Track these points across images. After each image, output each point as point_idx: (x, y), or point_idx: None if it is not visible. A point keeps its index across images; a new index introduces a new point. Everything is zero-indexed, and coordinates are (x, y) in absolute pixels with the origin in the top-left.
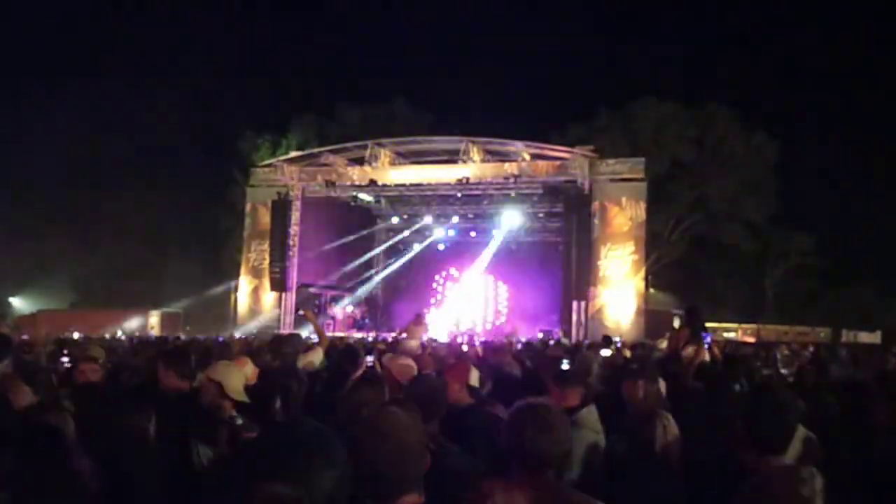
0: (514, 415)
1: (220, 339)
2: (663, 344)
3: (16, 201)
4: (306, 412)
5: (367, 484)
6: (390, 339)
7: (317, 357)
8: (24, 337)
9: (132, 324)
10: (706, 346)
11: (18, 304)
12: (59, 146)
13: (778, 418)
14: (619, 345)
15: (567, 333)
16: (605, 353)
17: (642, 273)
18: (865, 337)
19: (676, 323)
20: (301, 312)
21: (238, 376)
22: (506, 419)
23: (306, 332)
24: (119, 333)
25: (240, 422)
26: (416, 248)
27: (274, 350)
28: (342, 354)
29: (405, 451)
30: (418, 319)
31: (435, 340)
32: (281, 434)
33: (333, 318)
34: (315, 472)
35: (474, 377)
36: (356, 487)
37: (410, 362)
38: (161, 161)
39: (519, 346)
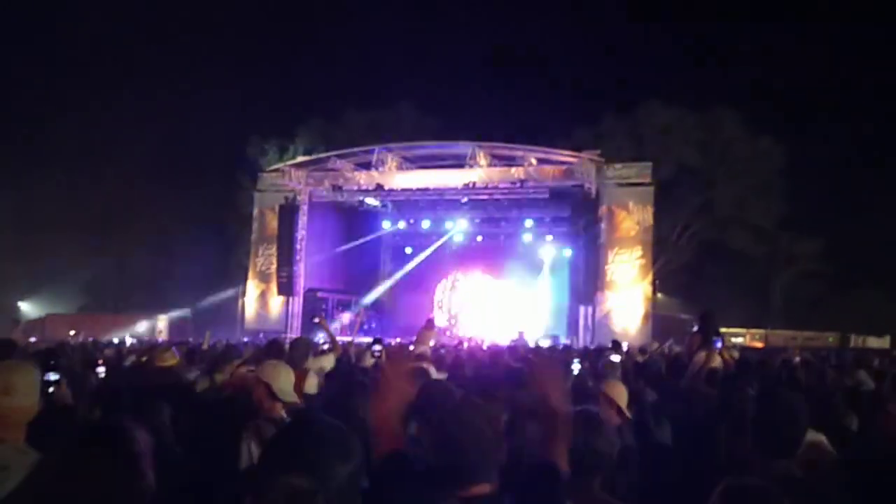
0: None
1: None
2: (654, 346)
3: (24, 206)
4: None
5: (447, 471)
6: (394, 344)
7: (328, 362)
8: (72, 334)
9: (140, 328)
10: (717, 350)
11: (27, 308)
12: (69, 151)
13: (786, 421)
14: (626, 350)
15: (557, 338)
16: (615, 358)
17: (650, 277)
18: (874, 342)
19: (695, 328)
20: (316, 319)
21: (287, 377)
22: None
23: (319, 338)
24: (127, 338)
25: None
26: (423, 252)
27: (273, 355)
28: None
29: (485, 440)
30: (429, 325)
31: (444, 346)
32: (298, 429)
33: (340, 322)
34: (330, 466)
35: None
36: (433, 474)
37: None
38: (169, 166)
39: (528, 349)
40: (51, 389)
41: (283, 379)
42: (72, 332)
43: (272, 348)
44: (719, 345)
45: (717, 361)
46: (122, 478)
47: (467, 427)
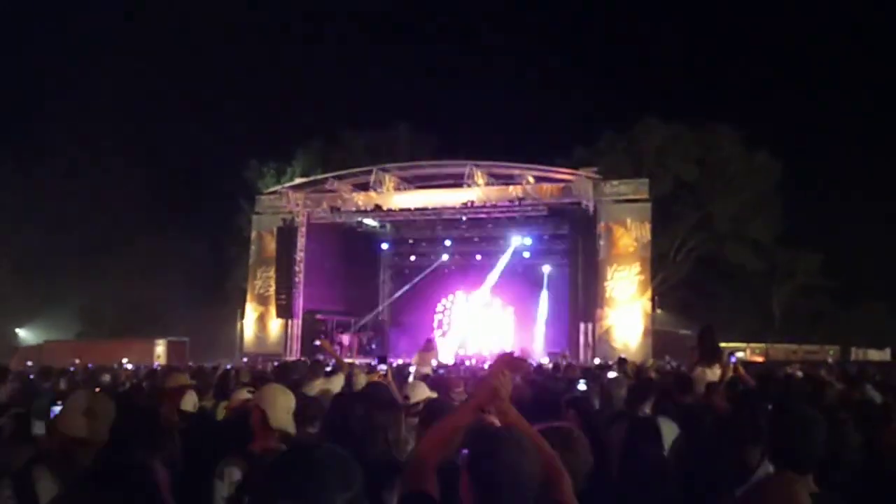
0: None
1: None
2: (650, 362)
3: (23, 233)
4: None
5: (509, 496)
6: (395, 365)
7: (337, 384)
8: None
9: (138, 353)
10: (732, 365)
11: (25, 334)
12: (65, 177)
13: (803, 437)
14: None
15: (566, 356)
16: (612, 374)
17: (649, 294)
18: (874, 355)
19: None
20: (317, 343)
21: (285, 402)
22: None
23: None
24: (125, 363)
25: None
26: (422, 272)
27: (280, 377)
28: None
29: (537, 466)
30: (429, 345)
31: (445, 366)
32: (298, 456)
33: (340, 344)
34: (330, 494)
35: None
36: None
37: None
38: (167, 189)
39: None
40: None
41: (279, 405)
42: (77, 361)
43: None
44: (734, 360)
45: (727, 376)
46: None
47: (526, 453)
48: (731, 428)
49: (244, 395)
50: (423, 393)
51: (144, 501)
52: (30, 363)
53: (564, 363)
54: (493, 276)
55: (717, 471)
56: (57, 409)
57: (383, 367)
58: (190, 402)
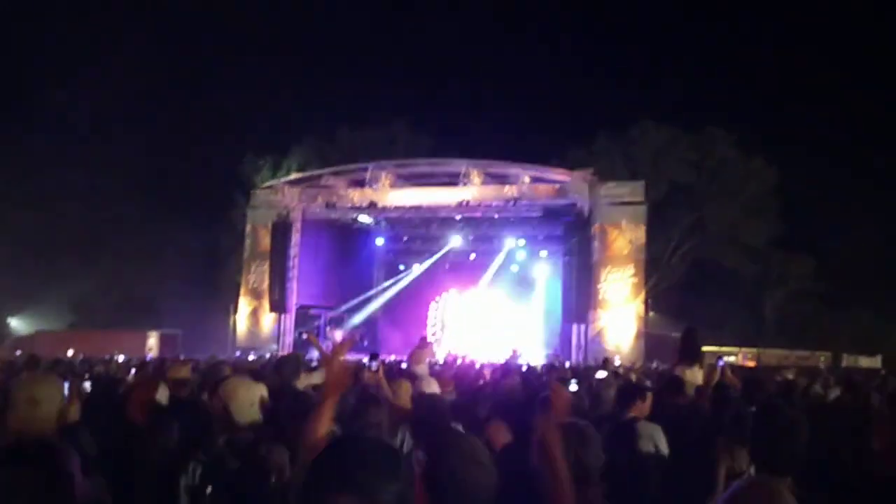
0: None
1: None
2: (637, 365)
3: (14, 222)
4: None
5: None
6: (387, 362)
7: (319, 378)
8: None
9: (130, 345)
10: (720, 369)
11: (17, 324)
12: (60, 166)
13: (784, 439)
14: (617, 367)
15: (558, 357)
16: (602, 374)
17: (642, 296)
18: (865, 361)
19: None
20: (305, 336)
21: (247, 394)
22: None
23: (310, 354)
24: (117, 354)
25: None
26: (416, 269)
27: (276, 370)
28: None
29: (492, 478)
30: (423, 343)
31: (438, 364)
32: (345, 448)
33: (332, 340)
34: (379, 486)
35: None
36: None
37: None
38: (161, 181)
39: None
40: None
41: (239, 397)
42: (70, 352)
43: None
44: (722, 363)
45: (714, 379)
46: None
47: (480, 467)
48: (713, 430)
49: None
50: (435, 388)
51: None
52: (18, 352)
53: (557, 364)
54: (487, 275)
55: (703, 473)
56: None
57: (374, 363)
58: (164, 395)
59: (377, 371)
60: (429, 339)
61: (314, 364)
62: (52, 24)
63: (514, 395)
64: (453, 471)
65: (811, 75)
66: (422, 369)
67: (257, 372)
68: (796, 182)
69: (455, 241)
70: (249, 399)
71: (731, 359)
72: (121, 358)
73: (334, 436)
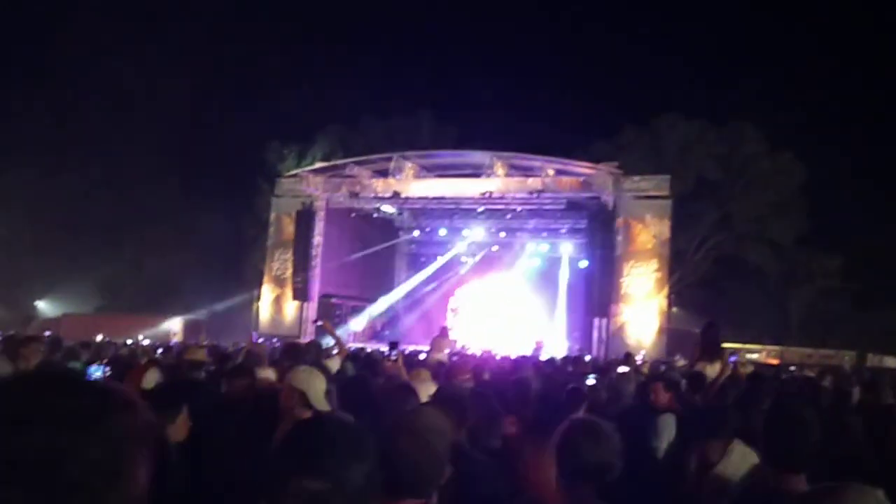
0: (568, 430)
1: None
2: (680, 363)
3: (41, 206)
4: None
5: (384, 480)
6: (407, 352)
7: (334, 366)
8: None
9: (156, 329)
10: (731, 365)
11: (44, 307)
12: (86, 153)
13: (797, 436)
14: (639, 362)
15: (582, 350)
16: (623, 369)
17: (665, 291)
18: (891, 361)
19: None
20: (320, 323)
21: (321, 383)
22: (558, 433)
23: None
24: (141, 338)
25: None
26: (438, 260)
27: (291, 357)
28: (364, 363)
29: (429, 455)
30: (443, 333)
31: (457, 354)
32: (309, 430)
33: (354, 329)
34: (344, 467)
35: None
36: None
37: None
38: (188, 168)
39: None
40: None
41: (316, 386)
42: (99, 337)
43: (288, 352)
44: (734, 359)
45: (726, 374)
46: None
47: (413, 438)
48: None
49: (268, 374)
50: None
51: None
52: (47, 334)
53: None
54: (509, 267)
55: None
56: (95, 371)
57: (394, 352)
58: (152, 379)
59: (397, 360)
60: (449, 330)
61: (335, 352)
62: (77, 3)
63: (525, 388)
64: (397, 447)
65: (841, 70)
66: (441, 357)
67: (274, 360)
68: (824, 178)
69: (478, 232)
70: (323, 387)
71: (755, 356)
72: (146, 342)
73: (300, 419)
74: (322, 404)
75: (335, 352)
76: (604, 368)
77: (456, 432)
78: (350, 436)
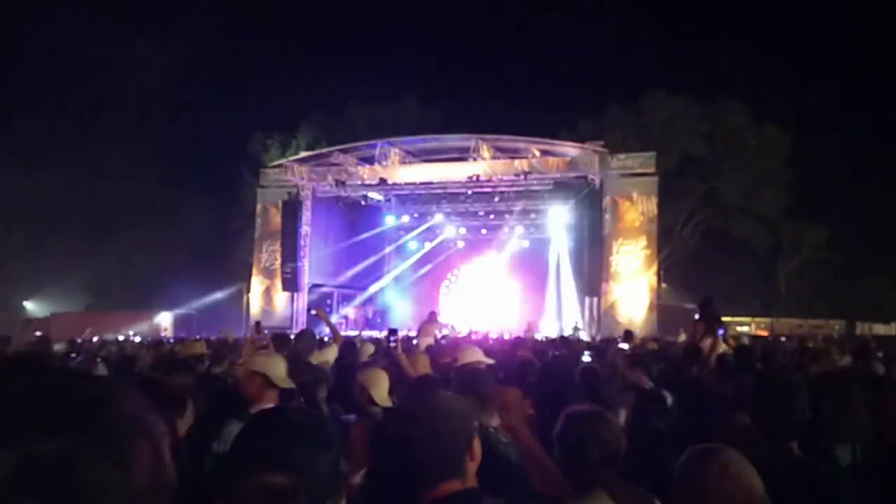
0: (569, 419)
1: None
2: (682, 338)
3: (27, 204)
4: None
5: (403, 470)
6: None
7: (332, 354)
8: (88, 332)
9: (145, 325)
10: (720, 338)
11: (32, 307)
12: (68, 150)
13: (785, 405)
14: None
15: (578, 329)
16: (625, 346)
17: (654, 268)
18: (880, 329)
19: (697, 316)
20: (313, 312)
21: (280, 365)
22: (562, 422)
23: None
24: (132, 335)
25: None
26: (427, 246)
27: (281, 346)
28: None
29: (439, 437)
30: (432, 317)
31: (445, 337)
32: (268, 421)
33: (345, 317)
34: (309, 458)
35: None
36: (395, 474)
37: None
38: (171, 162)
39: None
40: None
41: (276, 367)
42: (87, 331)
43: (278, 342)
44: (722, 332)
45: (720, 348)
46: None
47: (418, 424)
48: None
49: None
50: (473, 356)
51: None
52: (38, 333)
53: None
54: (498, 250)
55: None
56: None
57: (393, 338)
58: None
59: (396, 346)
60: (438, 314)
61: (327, 340)
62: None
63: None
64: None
65: (824, 42)
66: (429, 342)
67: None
68: (809, 150)
69: (465, 216)
70: (283, 367)
71: (745, 329)
72: (137, 339)
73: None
74: (285, 383)
75: (328, 340)
76: (600, 347)
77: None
78: (312, 425)
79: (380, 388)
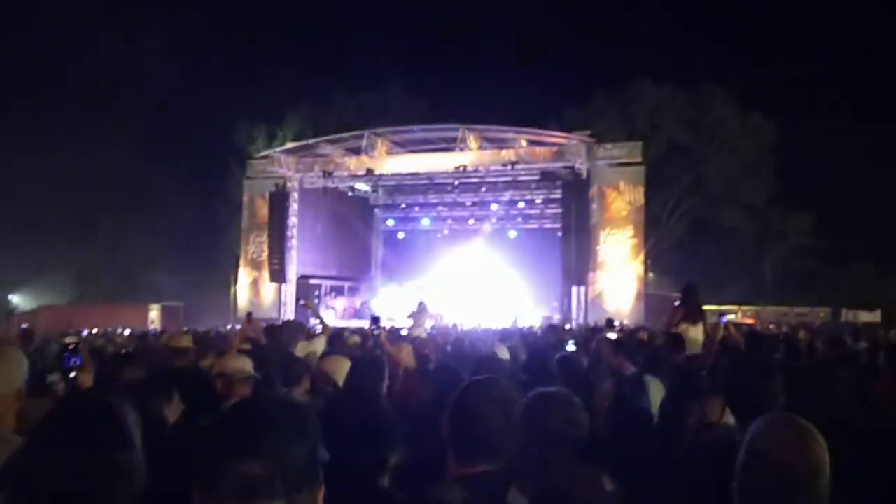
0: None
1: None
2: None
3: (11, 198)
4: None
5: (460, 444)
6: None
7: (320, 345)
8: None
9: (132, 318)
10: (723, 325)
11: (19, 300)
12: (58, 142)
13: (756, 389)
14: (619, 327)
15: (567, 318)
16: (611, 335)
17: (641, 257)
18: (865, 316)
19: (677, 302)
20: (302, 302)
21: (244, 364)
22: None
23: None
24: (120, 328)
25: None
26: (414, 236)
27: (270, 337)
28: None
29: (506, 422)
30: (421, 308)
31: (435, 328)
32: (244, 410)
33: (334, 308)
34: (286, 447)
35: None
36: (443, 446)
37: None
38: (158, 155)
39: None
40: (73, 374)
41: (344, 370)
42: (76, 325)
43: (270, 332)
44: (725, 320)
45: (719, 334)
46: (107, 449)
47: (491, 404)
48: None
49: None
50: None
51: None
52: (24, 326)
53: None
54: (485, 240)
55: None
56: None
57: (376, 326)
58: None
59: (380, 334)
60: (426, 305)
61: (317, 331)
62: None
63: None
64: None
65: (809, 30)
66: (421, 333)
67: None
68: (794, 138)
69: (453, 206)
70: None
71: (731, 317)
72: (126, 332)
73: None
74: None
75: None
76: (585, 336)
77: None
78: (289, 413)
79: (343, 374)
